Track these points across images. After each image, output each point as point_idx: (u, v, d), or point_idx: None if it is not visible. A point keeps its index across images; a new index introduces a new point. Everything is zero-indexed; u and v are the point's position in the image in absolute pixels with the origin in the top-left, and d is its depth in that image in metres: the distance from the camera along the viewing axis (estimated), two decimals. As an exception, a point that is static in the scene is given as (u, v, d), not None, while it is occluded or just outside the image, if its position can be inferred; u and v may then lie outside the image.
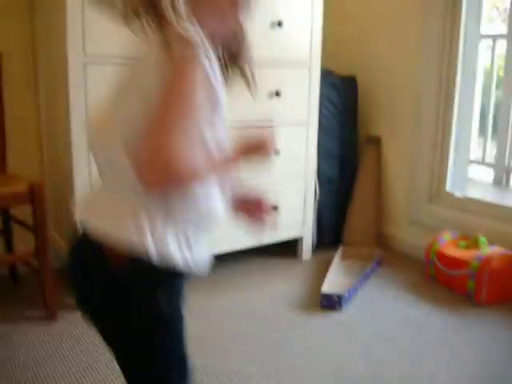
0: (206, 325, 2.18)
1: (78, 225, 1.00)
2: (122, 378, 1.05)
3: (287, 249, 2.93)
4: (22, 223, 2.37)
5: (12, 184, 2.20)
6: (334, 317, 2.29)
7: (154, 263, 0.92)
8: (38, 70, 2.56)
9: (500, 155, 3.12)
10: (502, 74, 2.95)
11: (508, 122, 2.73)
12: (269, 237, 2.73)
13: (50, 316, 2.20)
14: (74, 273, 1.04)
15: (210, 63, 0.91)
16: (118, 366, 1.05)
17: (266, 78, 2.53)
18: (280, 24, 2.54)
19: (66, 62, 2.07)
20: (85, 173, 2.15)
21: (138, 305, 0.96)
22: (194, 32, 0.90)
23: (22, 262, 2.37)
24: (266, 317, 2.29)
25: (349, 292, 2.41)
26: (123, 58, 0.95)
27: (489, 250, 2.48)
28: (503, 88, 2.79)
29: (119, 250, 0.92)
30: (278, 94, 2.59)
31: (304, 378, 1.87)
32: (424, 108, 2.88)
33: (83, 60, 2.09)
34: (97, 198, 1.05)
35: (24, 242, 2.36)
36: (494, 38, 3.27)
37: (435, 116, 2.85)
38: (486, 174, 3.35)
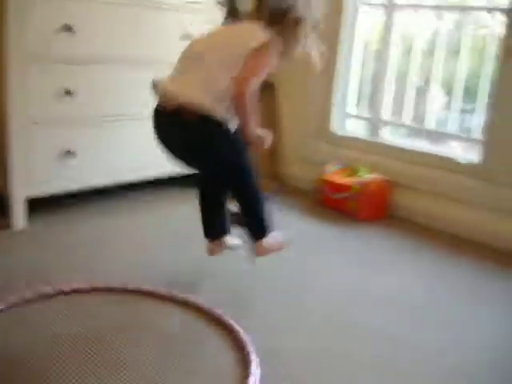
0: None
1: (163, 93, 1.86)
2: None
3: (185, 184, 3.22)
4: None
5: None
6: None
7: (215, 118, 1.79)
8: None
9: (374, 110, 3.58)
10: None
11: (383, 81, 3.23)
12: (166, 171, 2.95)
13: None
14: (163, 126, 1.89)
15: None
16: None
17: (179, 21, 2.82)
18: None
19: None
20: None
21: (209, 131, 1.82)
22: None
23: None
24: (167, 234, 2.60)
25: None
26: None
27: (367, 176, 2.98)
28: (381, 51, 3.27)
29: (194, 110, 1.76)
30: (189, 37, 2.88)
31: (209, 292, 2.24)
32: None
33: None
34: (186, 83, 1.83)
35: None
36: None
37: (324, 69, 3.28)
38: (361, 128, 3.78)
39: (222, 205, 2.10)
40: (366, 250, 2.56)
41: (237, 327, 1.72)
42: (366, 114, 3.39)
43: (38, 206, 2.55)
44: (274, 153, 3.55)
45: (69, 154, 2.52)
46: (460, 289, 2.21)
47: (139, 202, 2.90)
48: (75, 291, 1.89)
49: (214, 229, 2.11)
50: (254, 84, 1.81)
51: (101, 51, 2.56)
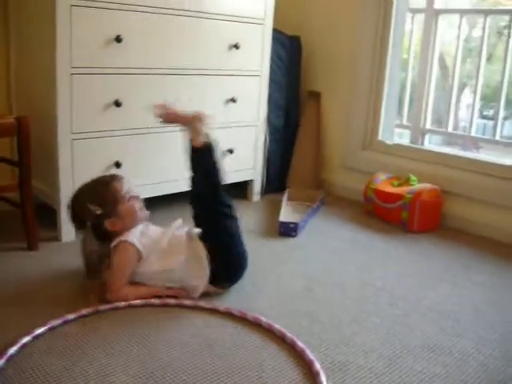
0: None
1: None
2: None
3: (235, 192, 3.19)
4: (3, 159, 2.50)
5: (-4, 117, 2.30)
6: (292, 241, 2.61)
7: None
8: (9, 13, 2.63)
9: (416, 119, 3.49)
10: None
11: (423, 89, 3.16)
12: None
13: (32, 247, 2.31)
14: None
15: (138, 239, 1.89)
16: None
17: (226, 32, 2.81)
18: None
19: (52, 4, 2.20)
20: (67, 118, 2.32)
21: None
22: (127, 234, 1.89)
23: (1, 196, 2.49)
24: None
25: (302, 221, 2.74)
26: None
27: (419, 186, 2.89)
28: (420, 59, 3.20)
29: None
30: (237, 46, 2.85)
31: (276, 290, 2.17)
32: (360, 66, 3.26)
33: (70, 3, 2.24)
34: None
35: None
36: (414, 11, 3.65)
37: (370, 74, 3.23)
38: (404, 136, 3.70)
39: None
40: (419, 261, 2.47)
41: (300, 344, 1.65)
42: (404, 122, 3.32)
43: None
44: (318, 162, 3.48)
45: (116, 165, 2.50)
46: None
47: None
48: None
49: None
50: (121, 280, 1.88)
51: (149, 62, 2.54)
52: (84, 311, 1.77)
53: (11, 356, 1.52)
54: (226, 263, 1.95)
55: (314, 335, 1.76)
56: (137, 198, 2.00)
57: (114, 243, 1.89)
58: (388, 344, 1.74)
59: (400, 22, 3.17)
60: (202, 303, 1.88)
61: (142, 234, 1.95)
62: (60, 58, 2.25)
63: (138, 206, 1.99)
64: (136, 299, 1.85)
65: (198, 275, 1.90)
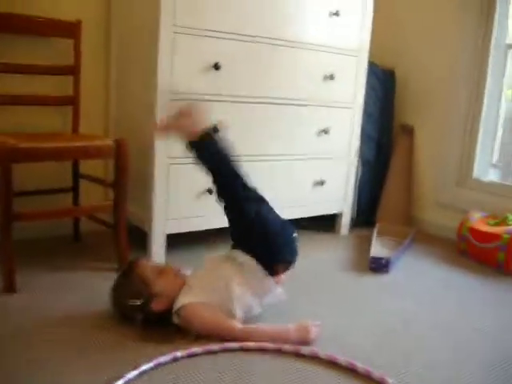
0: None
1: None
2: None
3: (324, 224, 3.16)
4: (99, 180, 2.57)
5: (96, 139, 2.37)
6: (384, 278, 2.52)
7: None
8: (111, 38, 2.73)
9: (506, 157, 3.33)
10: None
11: None
12: (309, 210, 2.97)
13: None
14: None
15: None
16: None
17: (322, 62, 2.80)
18: (337, 14, 2.79)
19: (156, 31, 2.27)
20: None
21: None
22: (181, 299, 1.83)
23: (93, 217, 2.54)
24: (320, 277, 2.49)
25: (394, 257, 2.65)
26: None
27: (516, 225, 2.74)
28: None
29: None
30: (332, 77, 2.83)
31: (364, 331, 2.09)
32: (455, 101, 3.17)
33: (173, 30, 2.30)
34: None
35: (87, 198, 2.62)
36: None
37: (466, 109, 3.13)
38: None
39: None
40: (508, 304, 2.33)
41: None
42: (499, 158, 3.18)
43: (176, 240, 2.56)
44: (410, 197, 3.39)
45: (209, 192, 2.51)
46: None
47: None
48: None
49: None
50: None
51: (244, 90, 2.56)
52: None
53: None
54: (269, 244, 1.93)
55: (415, 375, 1.67)
56: (166, 269, 1.92)
57: (177, 314, 1.83)
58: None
59: (498, 56, 3.07)
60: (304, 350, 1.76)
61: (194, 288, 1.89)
62: (160, 84, 2.31)
63: (172, 274, 1.90)
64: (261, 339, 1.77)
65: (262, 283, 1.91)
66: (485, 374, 1.72)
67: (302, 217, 2.94)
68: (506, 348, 1.91)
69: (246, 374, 1.60)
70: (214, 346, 1.72)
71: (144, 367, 1.56)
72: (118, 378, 1.49)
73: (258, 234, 1.92)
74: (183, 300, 1.82)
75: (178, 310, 1.81)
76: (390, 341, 1.90)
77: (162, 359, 1.62)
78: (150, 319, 1.83)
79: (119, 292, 1.87)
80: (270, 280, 1.91)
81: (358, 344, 1.84)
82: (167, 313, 1.83)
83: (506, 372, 1.74)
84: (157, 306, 1.82)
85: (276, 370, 1.64)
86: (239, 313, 1.82)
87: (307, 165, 2.88)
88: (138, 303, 1.80)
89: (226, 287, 1.84)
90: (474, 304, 2.29)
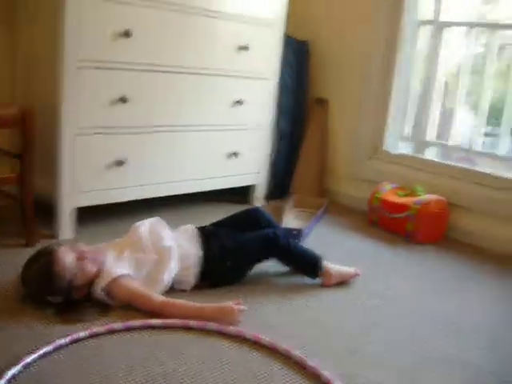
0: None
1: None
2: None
3: (237, 196, 3.15)
4: (3, 150, 2.43)
5: (0, 108, 2.22)
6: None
7: None
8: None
9: (420, 131, 3.44)
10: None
11: (427, 102, 3.14)
12: (223, 182, 2.95)
13: (30, 243, 2.24)
14: None
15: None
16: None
17: (236, 33, 2.76)
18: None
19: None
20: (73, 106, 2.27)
21: None
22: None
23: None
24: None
25: (306, 228, 2.68)
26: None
27: (425, 196, 2.84)
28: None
29: None
30: (246, 48, 2.80)
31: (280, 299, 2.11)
32: (369, 76, 3.22)
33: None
34: None
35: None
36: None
37: (379, 84, 3.19)
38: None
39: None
40: (424, 272, 2.43)
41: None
42: (408, 133, 3.29)
43: (86, 214, 2.47)
44: (324, 169, 3.43)
45: (120, 163, 2.44)
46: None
47: (189, 212, 2.81)
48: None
49: None
50: None
51: (155, 58, 2.48)
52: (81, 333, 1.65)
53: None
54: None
55: (320, 344, 1.70)
56: (83, 253, 1.83)
57: (100, 289, 1.79)
58: (398, 356, 1.69)
59: (410, 33, 3.14)
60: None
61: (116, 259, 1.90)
62: (67, 51, 2.19)
63: (88, 258, 1.82)
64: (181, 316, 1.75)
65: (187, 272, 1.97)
66: (394, 339, 1.79)
67: (216, 188, 2.93)
68: (412, 312, 2.00)
69: (157, 350, 1.59)
70: (132, 323, 1.71)
71: (59, 342, 1.54)
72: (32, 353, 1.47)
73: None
74: (111, 273, 1.81)
75: (107, 284, 1.79)
76: (301, 313, 1.93)
77: (77, 335, 1.59)
78: (66, 303, 1.79)
79: (37, 286, 1.78)
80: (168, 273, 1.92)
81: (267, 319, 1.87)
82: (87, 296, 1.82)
83: (408, 327, 1.82)
84: (78, 294, 1.80)
85: (184, 345, 1.64)
86: (164, 282, 1.88)
87: (221, 136, 2.85)
88: (60, 300, 1.77)
89: (151, 260, 1.90)
90: (383, 272, 2.37)
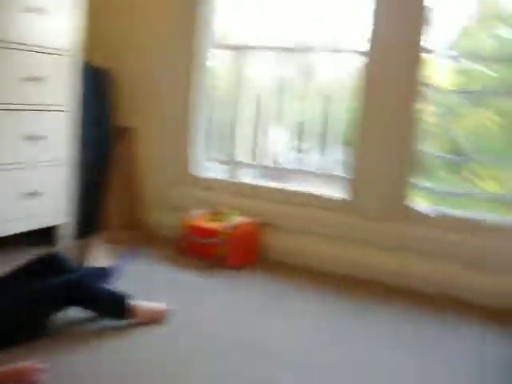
0: None
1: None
2: None
3: (42, 237, 2.93)
4: None
5: None
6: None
7: None
8: None
9: (229, 154, 3.51)
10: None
11: (234, 123, 3.26)
12: (20, 225, 2.72)
13: None
14: None
15: None
16: None
17: (25, 63, 2.59)
18: (41, 11, 2.61)
19: None
20: None
21: None
22: None
23: None
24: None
25: (117, 265, 2.57)
26: None
27: (234, 220, 2.89)
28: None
29: None
30: (39, 79, 2.63)
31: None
32: (169, 103, 3.26)
33: None
34: None
35: None
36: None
37: (180, 111, 3.22)
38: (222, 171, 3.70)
39: None
40: (238, 296, 2.48)
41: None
42: (219, 157, 3.34)
43: None
44: (134, 200, 3.35)
45: None
46: (341, 325, 2.22)
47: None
48: None
49: None
50: None
51: None
52: None
53: None
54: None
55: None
56: None
57: None
58: None
59: (205, 58, 3.21)
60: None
61: None
62: None
63: None
64: None
65: None
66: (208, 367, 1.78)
67: (11, 233, 2.68)
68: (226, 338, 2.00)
69: None
70: None
71: None
72: None
73: None
74: None
75: None
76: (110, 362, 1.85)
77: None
78: None
79: None
80: None
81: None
82: None
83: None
84: None
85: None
86: None
87: (17, 175, 2.64)
88: None
89: None
90: (197, 301, 2.36)
